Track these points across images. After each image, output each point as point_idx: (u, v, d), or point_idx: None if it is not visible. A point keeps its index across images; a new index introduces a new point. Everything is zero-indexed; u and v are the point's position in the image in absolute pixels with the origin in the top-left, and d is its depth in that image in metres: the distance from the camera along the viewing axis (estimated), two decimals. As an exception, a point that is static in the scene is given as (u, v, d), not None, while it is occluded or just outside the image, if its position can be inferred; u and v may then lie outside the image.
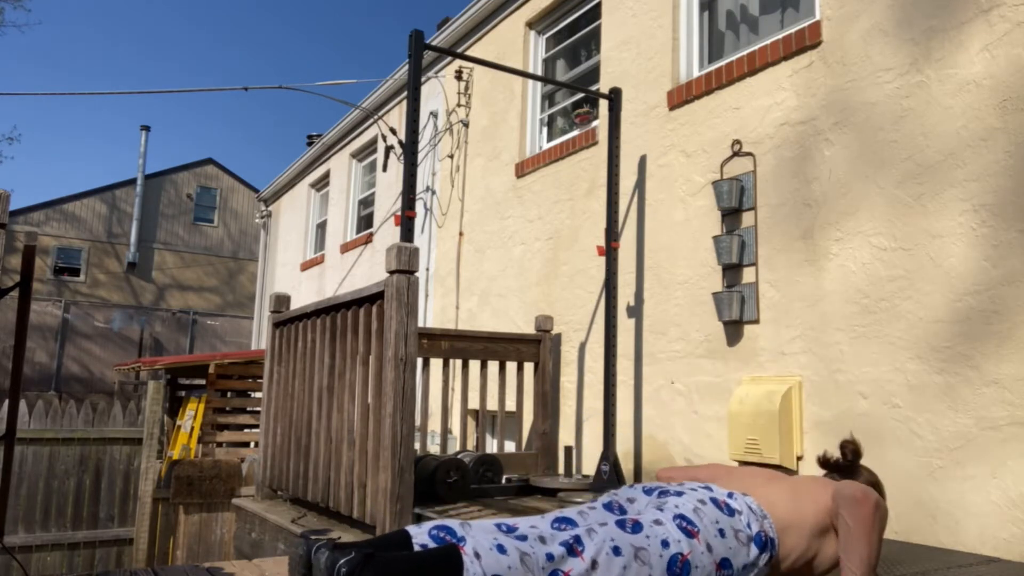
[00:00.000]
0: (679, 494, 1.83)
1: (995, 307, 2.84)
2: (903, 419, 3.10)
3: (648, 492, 1.92)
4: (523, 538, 1.59)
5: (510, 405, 4.94)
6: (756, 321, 3.78)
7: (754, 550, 1.79)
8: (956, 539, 2.86)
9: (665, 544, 1.66)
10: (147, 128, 22.04)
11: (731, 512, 1.81)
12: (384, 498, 3.05)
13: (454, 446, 5.69)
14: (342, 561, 1.41)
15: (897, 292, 3.19)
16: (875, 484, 2.26)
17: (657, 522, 1.70)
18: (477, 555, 1.48)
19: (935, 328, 3.04)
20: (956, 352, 2.96)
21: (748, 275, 3.86)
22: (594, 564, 1.58)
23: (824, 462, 2.32)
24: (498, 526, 1.69)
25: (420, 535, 1.61)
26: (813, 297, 3.52)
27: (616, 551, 1.61)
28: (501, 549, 1.52)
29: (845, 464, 2.27)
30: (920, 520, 2.99)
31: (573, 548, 1.59)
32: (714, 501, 1.82)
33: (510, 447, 5.36)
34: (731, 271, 3.95)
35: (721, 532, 1.74)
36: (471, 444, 5.45)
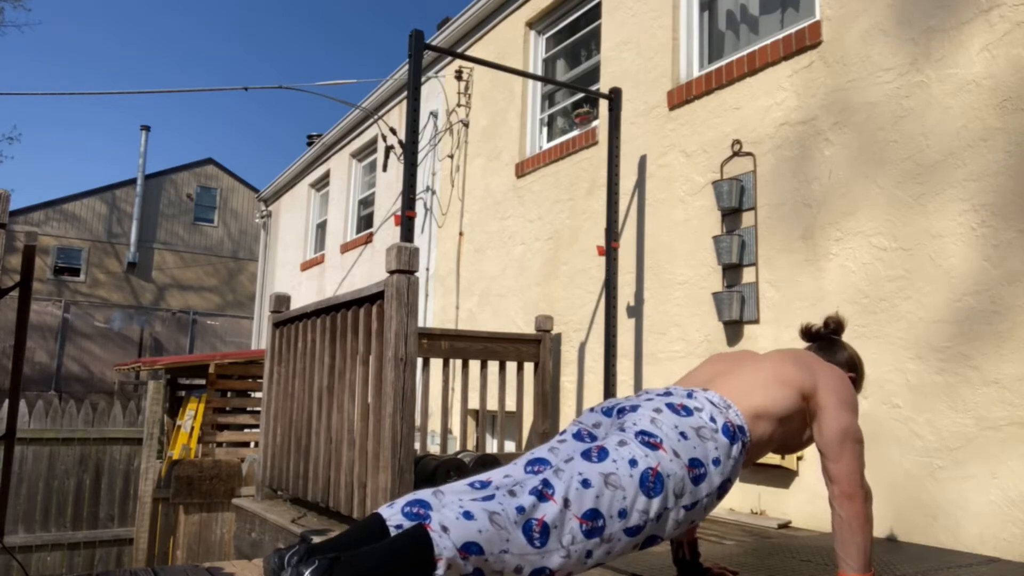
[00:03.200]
0: (635, 408, 1.82)
1: (995, 307, 2.84)
2: (903, 419, 3.10)
3: (607, 413, 1.91)
4: (490, 497, 1.57)
5: (510, 405, 4.94)
6: (756, 321, 3.78)
7: (723, 440, 1.78)
8: (956, 539, 2.86)
9: (633, 463, 1.65)
10: (147, 128, 22.04)
11: (689, 412, 1.80)
12: (384, 498, 3.05)
13: (454, 446, 5.69)
14: (306, 573, 1.39)
15: (897, 292, 3.19)
16: (855, 360, 2.26)
17: (621, 443, 1.70)
18: (444, 528, 1.47)
19: (935, 328, 3.04)
20: (956, 352, 2.96)
21: (748, 275, 3.86)
22: (566, 502, 1.58)
23: (806, 333, 2.32)
24: (471, 484, 1.68)
25: (394, 516, 1.60)
26: (813, 297, 3.52)
27: (585, 484, 1.61)
28: (468, 515, 1.50)
29: (826, 335, 2.28)
30: (920, 520, 2.99)
31: (543, 493, 1.58)
32: (670, 406, 1.80)
33: (510, 447, 5.36)
34: (731, 271, 3.95)
35: (683, 435, 1.73)
36: (471, 444, 5.45)
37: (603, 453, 1.67)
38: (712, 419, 1.80)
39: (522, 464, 1.77)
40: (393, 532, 1.57)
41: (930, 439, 3.00)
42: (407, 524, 1.57)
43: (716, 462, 1.75)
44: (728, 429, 1.80)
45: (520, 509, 1.55)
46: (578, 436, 1.86)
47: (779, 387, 1.93)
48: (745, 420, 1.85)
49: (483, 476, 1.72)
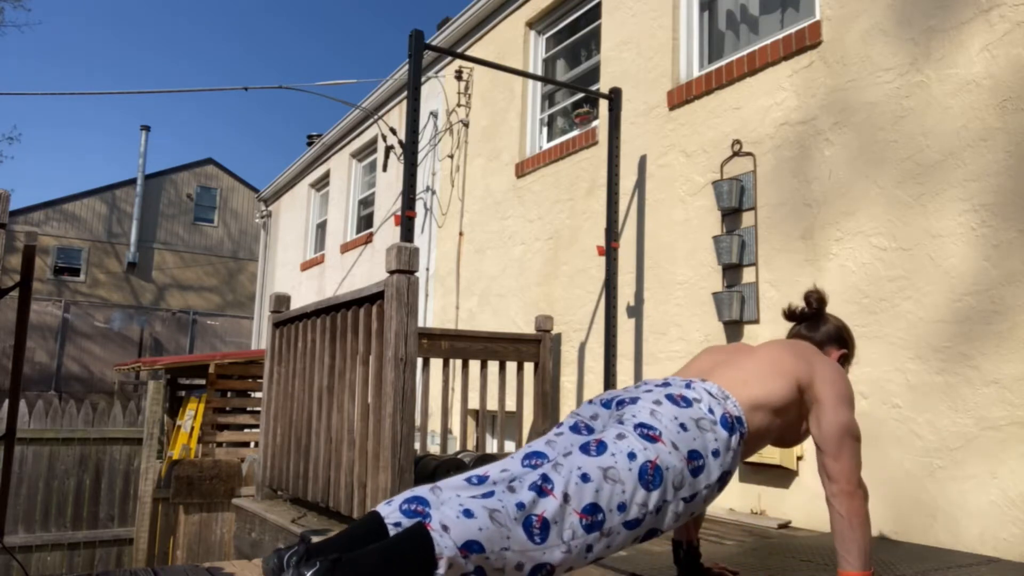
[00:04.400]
0: (634, 401, 1.81)
1: (995, 307, 2.84)
2: (903, 419, 3.10)
3: (606, 405, 1.90)
4: (490, 494, 1.57)
5: (510, 405, 4.94)
6: (756, 321, 3.78)
7: (722, 432, 1.77)
8: (956, 539, 2.86)
9: (632, 456, 1.65)
10: (147, 128, 22.04)
11: (688, 403, 1.79)
12: (384, 498, 3.05)
13: (454, 446, 5.69)
14: (307, 575, 1.39)
15: (897, 292, 3.19)
16: (842, 329, 2.25)
17: (620, 436, 1.69)
18: (445, 528, 1.47)
19: (935, 328, 3.04)
20: (956, 352, 2.96)
21: (748, 275, 3.86)
22: (566, 497, 1.57)
23: (790, 314, 2.30)
24: (468, 480, 1.67)
25: (392, 514, 1.59)
26: (813, 297, 3.52)
27: (584, 478, 1.60)
28: (468, 514, 1.50)
29: (811, 313, 2.27)
30: (920, 520, 2.99)
31: (542, 488, 1.58)
32: (669, 398, 1.80)
33: (510, 447, 5.36)
34: (731, 271, 3.95)
35: (683, 427, 1.73)
36: (471, 444, 5.45)
37: (601, 446, 1.67)
38: (711, 410, 1.80)
39: (519, 458, 1.76)
40: (392, 530, 1.57)
41: (930, 439, 3.00)
42: (406, 522, 1.57)
43: (715, 454, 1.75)
44: (727, 420, 1.79)
45: (520, 505, 1.54)
46: (575, 429, 1.85)
47: (776, 377, 1.92)
48: (743, 411, 1.84)
49: (480, 471, 1.71)
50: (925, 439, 3.02)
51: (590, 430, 1.84)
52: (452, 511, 1.50)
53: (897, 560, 2.62)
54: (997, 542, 2.74)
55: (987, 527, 2.78)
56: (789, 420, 1.95)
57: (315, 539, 1.63)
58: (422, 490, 1.63)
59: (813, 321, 2.26)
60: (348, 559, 1.42)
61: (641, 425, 1.71)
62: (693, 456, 1.71)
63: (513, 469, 1.72)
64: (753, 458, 3.56)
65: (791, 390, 1.92)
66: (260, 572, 2.65)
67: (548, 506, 1.56)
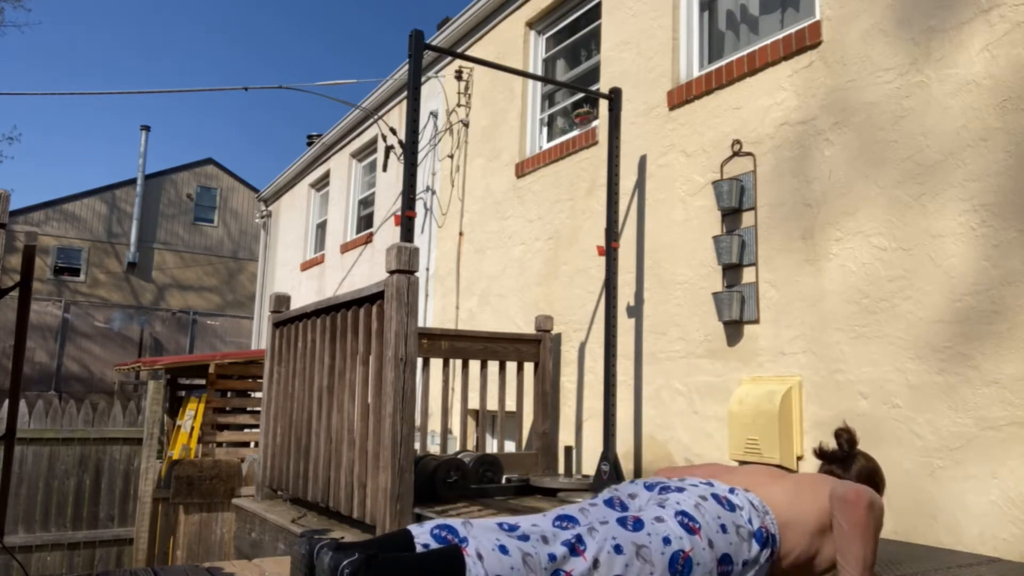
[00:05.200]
0: (680, 490, 1.82)
1: (995, 307, 2.84)
2: (903, 419, 3.10)
3: (649, 488, 1.91)
4: (525, 538, 1.58)
5: (510, 405, 4.94)
6: (756, 321, 3.78)
7: (755, 546, 1.78)
8: (956, 539, 2.86)
9: (667, 541, 1.65)
10: (147, 128, 22.04)
11: (732, 508, 1.80)
12: (384, 498, 3.05)
13: (454, 446, 5.69)
14: (345, 562, 1.40)
15: (897, 292, 3.19)
16: (873, 471, 2.25)
17: (659, 519, 1.69)
18: (480, 556, 1.48)
19: (935, 328, 3.04)
20: (956, 352, 2.95)
21: (748, 275, 3.86)
22: (596, 563, 1.57)
23: (821, 453, 2.31)
24: (500, 525, 1.68)
25: (422, 535, 1.61)
26: (813, 297, 3.52)
27: (618, 549, 1.60)
28: (503, 550, 1.51)
29: (842, 454, 2.27)
30: (920, 520, 2.99)
31: (575, 547, 1.58)
32: (715, 497, 1.80)
33: (510, 447, 5.36)
34: (731, 271, 3.95)
35: (723, 528, 1.73)
36: (471, 444, 5.45)
37: (639, 524, 1.67)
38: (750, 520, 1.81)
39: (551, 518, 1.76)
40: (419, 549, 1.58)
41: (930, 439, 3.00)
42: (434, 545, 1.58)
43: (744, 564, 1.75)
44: (762, 535, 1.80)
45: (552, 557, 1.55)
46: (609, 503, 1.86)
47: (811, 501, 1.93)
48: (778, 529, 1.85)
49: (511, 520, 1.73)
50: (925, 439, 3.02)
51: (624, 507, 1.85)
52: (488, 543, 1.52)
53: (897, 560, 2.62)
54: (997, 542, 2.74)
55: (987, 527, 2.78)
56: (818, 544, 1.95)
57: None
58: (455, 521, 1.66)
59: (845, 462, 2.26)
60: (385, 558, 1.44)
61: (683, 514, 1.72)
62: (724, 560, 1.72)
63: (543, 527, 1.72)
64: (753, 458, 3.56)
65: (822, 514, 1.93)
66: (260, 572, 2.65)
67: (577, 567, 1.56)
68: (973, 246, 2.94)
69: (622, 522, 1.67)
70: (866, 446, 3.17)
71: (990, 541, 2.76)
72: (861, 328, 3.31)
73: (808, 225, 3.59)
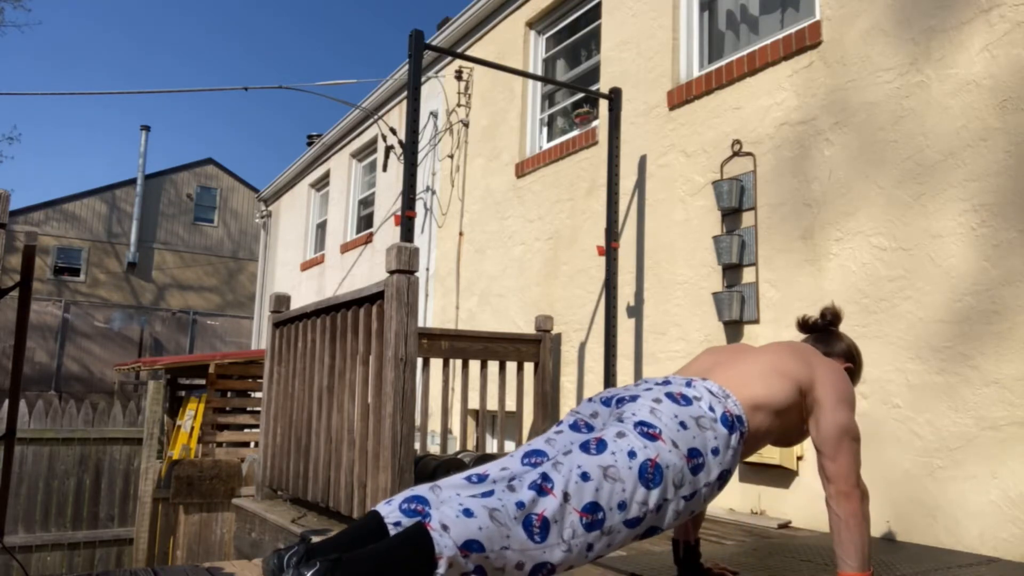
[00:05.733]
0: (634, 399, 1.81)
1: (995, 307, 2.84)
2: (903, 419, 3.10)
3: (606, 403, 1.90)
4: (489, 493, 1.56)
5: (510, 405, 4.94)
6: (756, 321, 3.78)
7: (721, 430, 1.77)
8: (956, 539, 2.86)
9: (632, 455, 1.65)
10: (147, 128, 22.04)
11: (688, 401, 1.79)
12: (384, 498, 3.05)
13: (454, 446, 5.69)
14: (307, 575, 1.39)
15: (897, 292, 3.19)
16: (856, 353, 2.26)
17: (620, 434, 1.69)
18: (445, 527, 1.46)
19: (935, 328, 3.04)
20: (956, 352, 2.96)
21: (748, 275, 3.86)
22: (566, 496, 1.57)
23: (803, 324, 2.33)
24: (468, 479, 1.67)
25: (392, 513, 1.59)
26: (813, 297, 3.52)
27: (584, 477, 1.60)
28: (468, 513, 1.49)
29: (823, 325, 2.29)
30: (920, 520, 2.99)
31: (542, 487, 1.58)
32: (669, 396, 1.80)
33: (510, 447, 5.36)
34: (731, 271, 3.95)
35: (682, 425, 1.73)
36: (471, 444, 5.45)
37: (601, 445, 1.67)
38: (711, 408, 1.80)
39: (519, 456, 1.76)
40: (392, 530, 1.57)
41: (930, 439, 3.00)
42: (405, 521, 1.57)
43: (715, 452, 1.75)
44: (727, 419, 1.80)
45: (520, 504, 1.54)
46: (575, 427, 1.85)
47: (777, 379, 1.93)
48: (743, 410, 1.85)
49: (480, 469, 1.71)
50: (925, 439, 3.02)
51: (590, 428, 1.85)
52: (452, 510, 1.50)
53: (897, 560, 2.62)
54: (997, 542, 2.74)
55: (987, 527, 2.78)
56: (790, 421, 1.96)
57: (315, 539, 1.63)
58: (422, 489, 1.63)
59: (825, 336, 2.27)
60: (348, 559, 1.42)
61: (641, 423, 1.71)
62: (693, 454, 1.72)
63: (513, 467, 1.72)
64: (753, 458, 3.56)
65: (792, 391, 1.93)
66: (260, 572, 2.65)
67: (548, 505, 1.56)
68: (973, 246, 2.94)
69: (585, 447, 1.67)
70: (866, 446, 3.18)
71: (990, 541, 2.76)
72: (861, 328, 3.31)
73: (808, 225, 3.59)
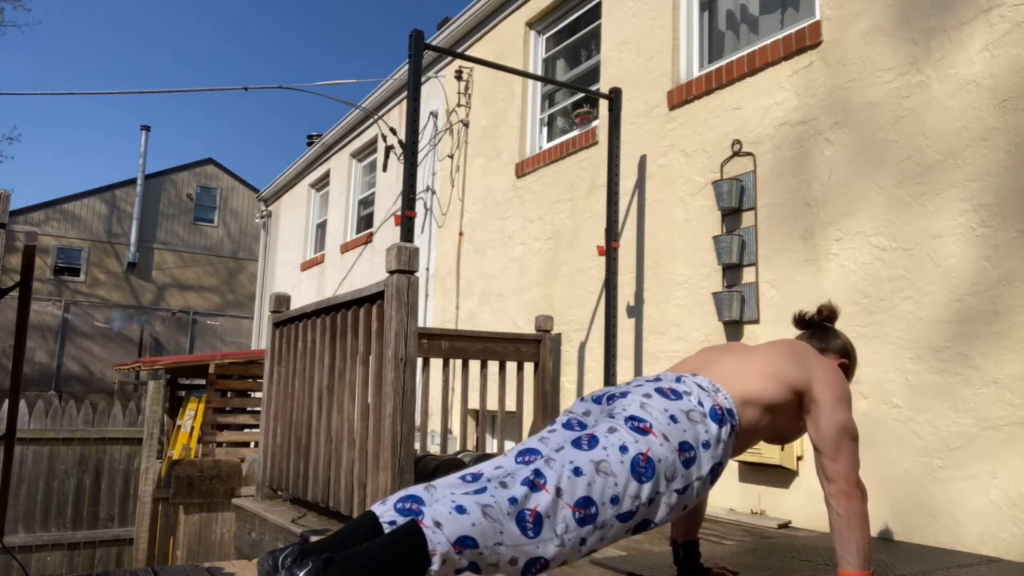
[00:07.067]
0: (624, 395, 1.83)
1: (995, 307, 2.84)
2: (903, 419, 3.10)
3: (598, 401, 1.92)
4: (482, 490, 1.57)
5: (510, 405, 4.94)
6: (756, 321, 3.78)
7: (712, 424, 1.79)
8: (956, 539, 2.86)
9: (623, 449, 1.66)
10: (147, 128, 22.04)
11: (678, 396, 1.81)
12: (384, 497, 3.05)
13: (454, 446, 5.69)
14: (300, 575, 1.39)
15: (897, 292, 3.19)
16: (851, 350, 2.26)
17: (611, 430, 1.70)
18: (437, 524, 1.47)
19: (935, 328, 3.04)
20: (956, 352, 2.96)
21: (748, 275, 3.86)
22: (558, 491, 1.58)
23: (799, 320, 2.32)
24: (463, 478, 1.69)
25: (387, 512, 1.60)
26: (813, 297, 3.52)
27: (577, 472, 1.61)
28: (461, 509, 1.50)
29: (818, 321, 2.29)
30: (920, 520, 2.99)
31: (535, 483, 1.59)
32: (659, 391, 1.81)
33: (510, 447, 5.36)
34: (731, 271, 3.95)
35: (673, 419, 1.74)
36: (471, 444, 5.45)
37: (593, 441, 1.68)
38: (700, 403, 1.81)
39: (513, 455, 1.77)
40: (387, 528, 1.58)
41: (930, 439, 3.00)
42: (400, 520, 1.58)
43: (706, 445, 1.76)
44: (716, 412, 1.81)
45: (512, 500, 1.55)
46: (568, 425, 1.87)
47: (770, 380, 1.93)
48: (734, 404, 1.86)
49: (474, 469, 1.73)
50: (925, 439, 3.02)
51: (582, 426, 1.86)
52: (445, 507, 1.51)
53: (897, 560, 2.62)
54: (997, 542, 2.75)
55: (987, 527, 2.78)
56: (783, 418, 1.96)
57: (314, 539, 1.63)
58: (417, 489, 1.65)
59: (821, 332, 2.27)
60: (341, 558, 1.43)
61: (632, 418, 1.73)
62: (684, 447, 1.73)
63: (507, 465, 1.73)
64: (753, 458, 3.56)
65: (785, 392, 1.93)
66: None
67: (541, 500, 1.57)
68: (973, 246, 2.94)
69: (577, 444, 1.68)
70: (866, 446, 3.18)
71: (990, 541, 2.76)
72: (861, 328, 3.31)
73: (808, 225, 3.59)
